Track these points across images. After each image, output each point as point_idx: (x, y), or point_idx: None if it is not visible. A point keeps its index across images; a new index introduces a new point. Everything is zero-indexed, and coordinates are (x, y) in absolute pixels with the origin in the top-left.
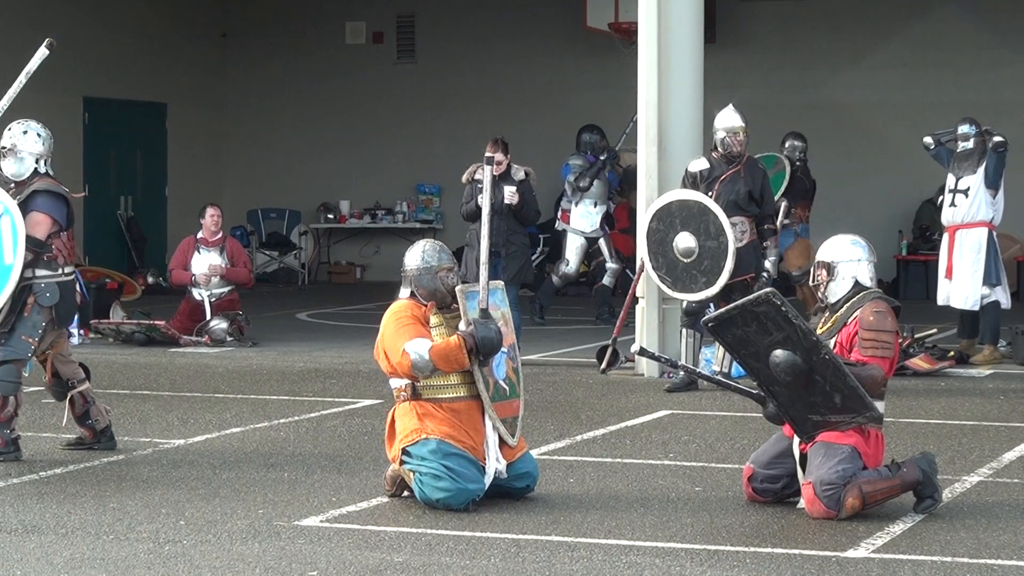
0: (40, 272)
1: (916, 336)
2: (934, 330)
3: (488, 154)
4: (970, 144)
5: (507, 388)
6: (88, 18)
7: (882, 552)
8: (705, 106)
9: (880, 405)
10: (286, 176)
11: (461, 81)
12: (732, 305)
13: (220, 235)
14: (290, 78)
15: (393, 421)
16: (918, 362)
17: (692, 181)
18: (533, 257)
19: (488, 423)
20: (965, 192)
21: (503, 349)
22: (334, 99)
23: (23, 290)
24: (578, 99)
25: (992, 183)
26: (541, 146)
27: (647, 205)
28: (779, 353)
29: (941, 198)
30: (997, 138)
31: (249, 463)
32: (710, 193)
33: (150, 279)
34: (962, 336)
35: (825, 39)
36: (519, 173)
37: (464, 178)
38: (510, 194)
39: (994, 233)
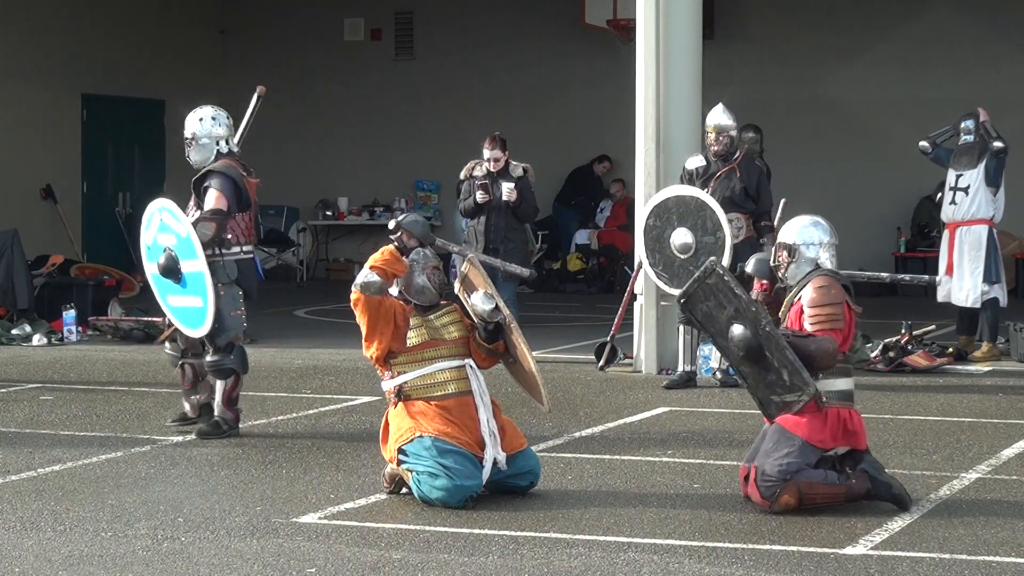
0: (218, 251)
1: (914, 333)
2: (932, 327)
3: (486, 153)
4: (971, 138)
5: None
6: (87, 15)
7: (880, 549)
8: (704, 103)
9: (847, 382)
10: (284, 173)
11: (459, 78)
12: (692, 279)
13: None
14: (288, 75)
15: (387, 423)
16: (917, 359)
17: (689, 178)
18: (531, 254)
19: (482, 415)
20: (965, 190)
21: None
22: (332, 96)
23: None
24: (576, 96)
25: (993, 182)
26: (539, 143)
27: (646, 202)
28: (735, 328)
29: (940, 195)
30: (997, 144)
31: (247, 460)
32: (706, 190)
33: None
34: (961, 333)
35: (823, 35)
36: (517, 170)
37: (462, 174)
38: (508, 191)
39: (994, 230)
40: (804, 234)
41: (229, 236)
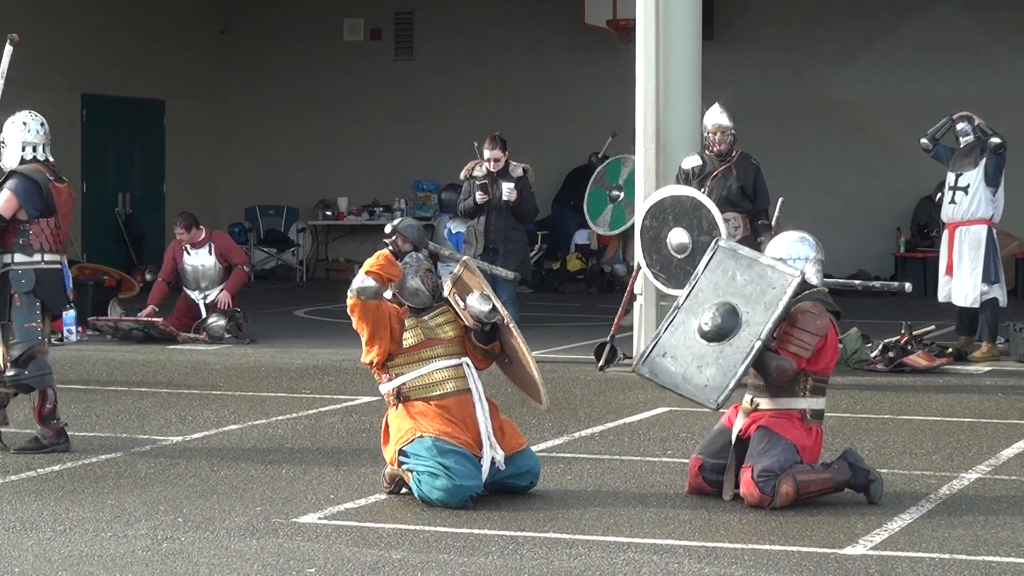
0: (17, 258)
1: (914, 333)
2: (932, 327)
3: (488, 154)
4: (970, 138)
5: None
6: (87, 14)
7: (880, 549)
8: (704, 103)
9: (821, 401)
10: (284, 173)
11: (459, 78)
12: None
13: (203, 235)
14: (288, 75)
15: (387, 425)
16: (916, 359)
17: (685, 178)
18: (531, 254)
19: (480, 414)
20: (965, 189)
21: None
22: (332, 96)
23: (3, 279)
24: (576, 96)
25: (992, 181)
26: (539, 143)
27: (644, 201)
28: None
29: (940, 195)
30: (994, 139)
31: (247, 460)
32: (703, 189)
33: (148, 276)
34: (960, 333)
35: (823, 35)
36: (517, 170)
37: (462, 175)
38: (508, 191)
39: (994, 230)
40: (791, 250)
41: (33, 243)
